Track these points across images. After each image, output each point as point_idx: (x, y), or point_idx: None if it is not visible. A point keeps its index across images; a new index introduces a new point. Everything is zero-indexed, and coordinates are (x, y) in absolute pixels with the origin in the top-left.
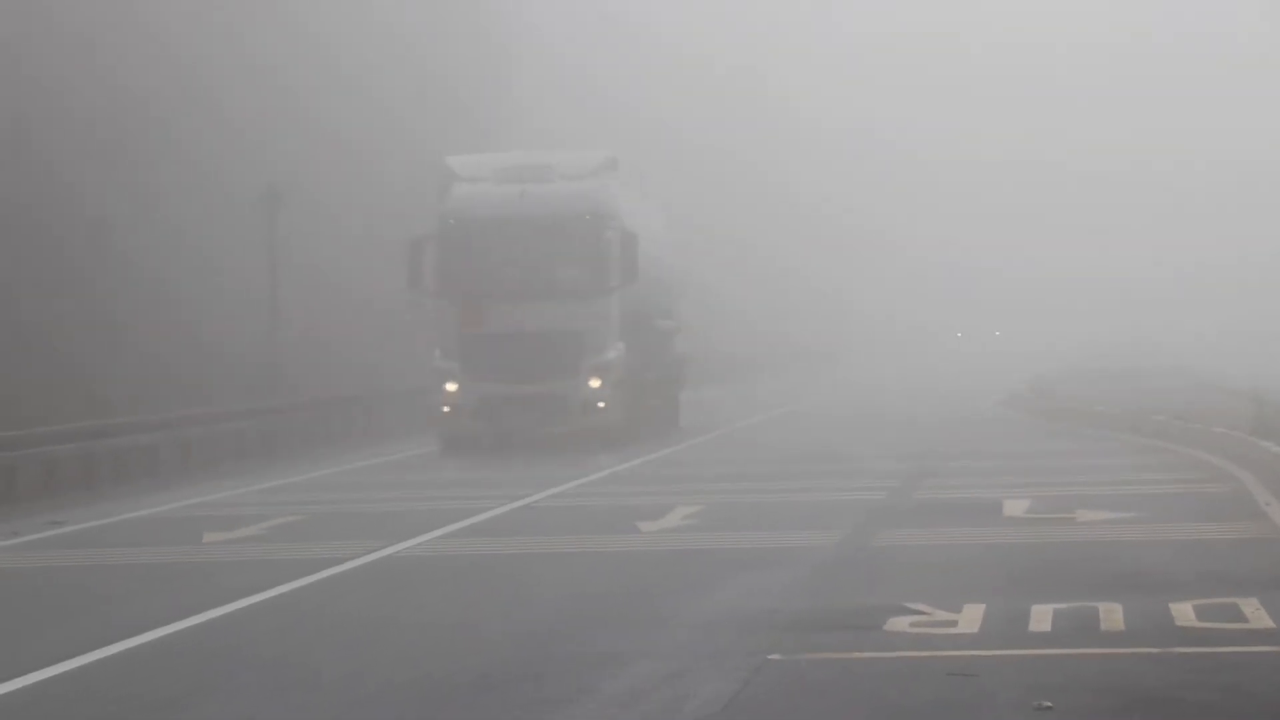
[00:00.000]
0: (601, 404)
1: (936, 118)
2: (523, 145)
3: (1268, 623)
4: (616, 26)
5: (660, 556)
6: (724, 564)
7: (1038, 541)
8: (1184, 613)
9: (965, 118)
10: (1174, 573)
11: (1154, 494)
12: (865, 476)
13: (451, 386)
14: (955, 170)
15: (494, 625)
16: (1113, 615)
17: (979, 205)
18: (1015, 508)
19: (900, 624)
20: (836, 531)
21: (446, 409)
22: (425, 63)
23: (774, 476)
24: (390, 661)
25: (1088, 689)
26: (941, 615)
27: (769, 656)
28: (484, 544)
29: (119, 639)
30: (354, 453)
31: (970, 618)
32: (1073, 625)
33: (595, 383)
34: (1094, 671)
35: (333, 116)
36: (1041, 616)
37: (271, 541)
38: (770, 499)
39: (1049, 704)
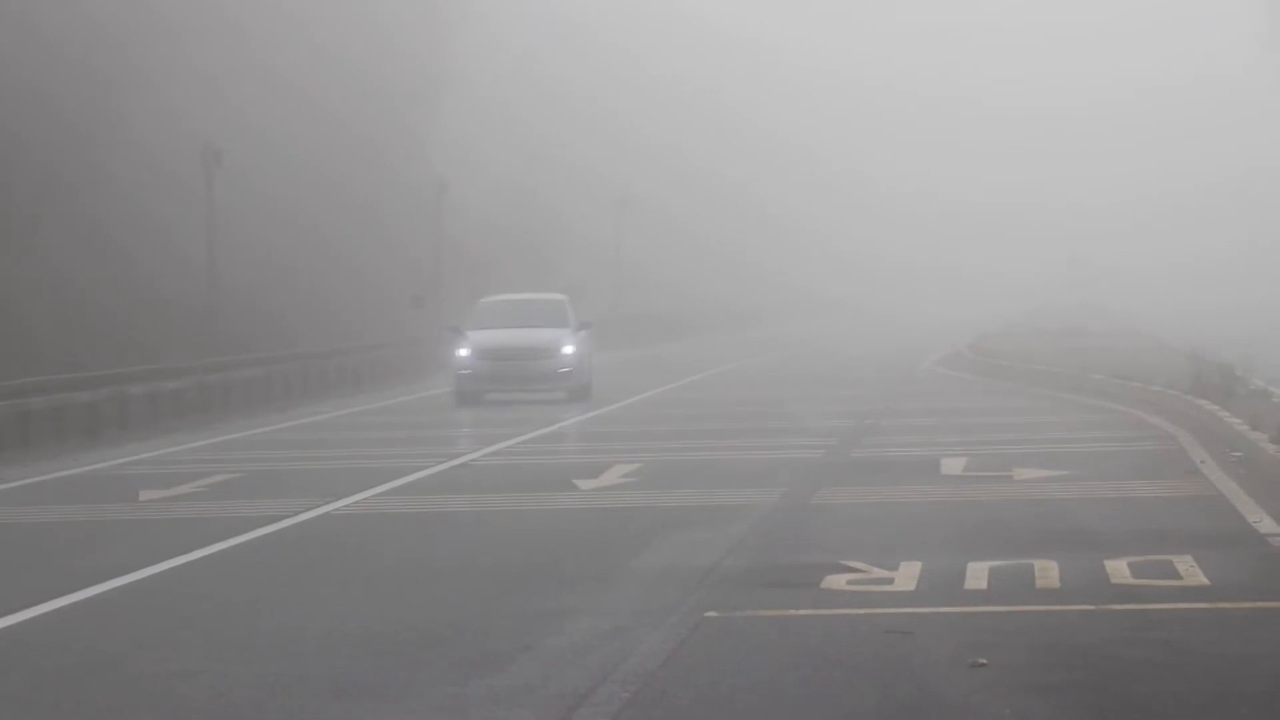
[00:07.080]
0: None
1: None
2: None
3: (1201, 580)
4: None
5: (598, 515)
6: (662, 522)
7: (974, 499)
8: (1119, 570)
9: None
10: (1109, 530)
11: (1091, 452)
12: (804, 435)
13: None
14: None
15: (435, 582)
16: (1048, 572)
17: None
18: (953, 466)
19: (838, 581)
20: (775, 489)
21: None
22: (374, 14)
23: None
24: (330, 618)
25: (1023, 646)
26: (878, 573)
27: (707, 614)
28: (422, 502)
29: (54, 596)
30: (296, 409)
31: (907, 575)
32: (1008, 582)
33: None
34: (1029, 628)
35: (285, 64)
36: (977, 574)
37: (208, 500)
38: (709, 456)
39: (984, 661)
